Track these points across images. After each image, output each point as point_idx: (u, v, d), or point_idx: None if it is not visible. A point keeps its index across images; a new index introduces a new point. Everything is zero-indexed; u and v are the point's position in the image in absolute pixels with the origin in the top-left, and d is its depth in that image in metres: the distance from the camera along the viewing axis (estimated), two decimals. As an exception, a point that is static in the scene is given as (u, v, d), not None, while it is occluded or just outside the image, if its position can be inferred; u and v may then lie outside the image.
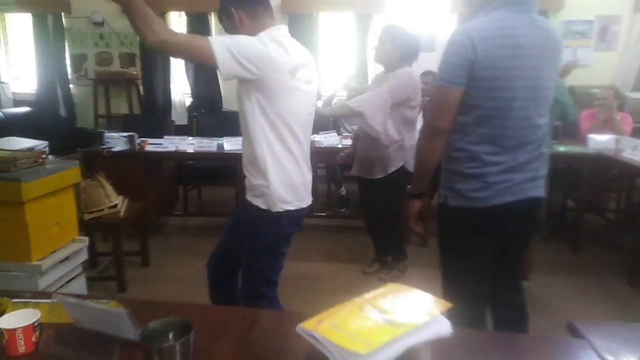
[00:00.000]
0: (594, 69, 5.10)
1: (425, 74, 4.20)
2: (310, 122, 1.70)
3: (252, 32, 1.53)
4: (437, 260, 3.53)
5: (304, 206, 1.68)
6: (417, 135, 2.71)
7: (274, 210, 1.59)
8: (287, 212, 1.61)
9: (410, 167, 2.69)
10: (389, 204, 2.90)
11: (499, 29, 1.37)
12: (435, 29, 5.36)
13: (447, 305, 0.88)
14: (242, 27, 1.57)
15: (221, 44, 1.42)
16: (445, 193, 1.54)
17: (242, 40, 1.47)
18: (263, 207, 1.60)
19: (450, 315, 0.90)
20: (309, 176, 1.71)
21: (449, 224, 1.58)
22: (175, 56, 1.45)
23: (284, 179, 1.59)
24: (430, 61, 5.35)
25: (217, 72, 1.44)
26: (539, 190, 1.52)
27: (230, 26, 1.59)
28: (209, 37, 1.43)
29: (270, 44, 1.49)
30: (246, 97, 1.53)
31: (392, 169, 2.77)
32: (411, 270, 3.15)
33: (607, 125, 3.59)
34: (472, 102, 1.41)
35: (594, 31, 5.12)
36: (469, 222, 1.50)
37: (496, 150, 1.43)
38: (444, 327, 0.86)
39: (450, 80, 1.40)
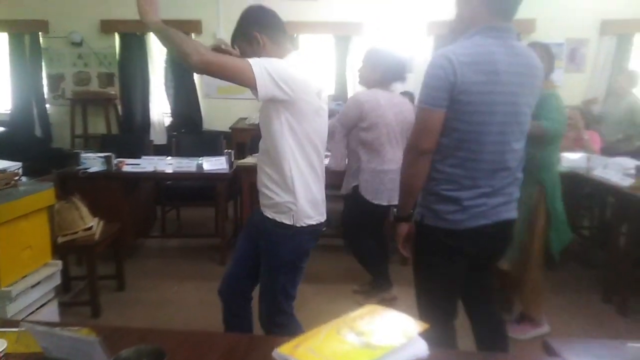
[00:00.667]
0: (564, 89, 5.27)
1: (403, 94, 4.29)
2: (326, 140, 1.79)
3: (273, 57, 1.57)
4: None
5: (323, 220, 1.73)
6: (382, 157, 2.72)
7: (299, 225, 1.64)
8: (310, 227, 1.66)
9: (364, 189, 2.74)
10: (348, 223, 2.97)
11: (478, 54, 1.39)
12: (413, 51, 5.49)
13: (424, 326, 0.88)
14: (264, 51, 1.61)
15: (260, 65, 1.46)
16: (421, 211, 1.56)
17: (276, 63, 1.51)
18: (288, 222, 1.64)
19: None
20: (324, 191, 1.78)
21: (423, 241, 1.59)
22: (215, 76, 1.49)
23: (309, 196, 1.65)
24: (407, 82, 5.47)
25: (253, 93, 1.49)
26: (512, 212, 1.56)
27: (252, 51, 1.63)
28: (248, 59, 1.47)
29: (299, 67, 1.57)
30: (275, 117, 1.57)
31: (347, 189, 2.87)
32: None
33: (576, 143, 3.70)
34: (452, 125, 1.42)
35: (564, 53, 5.33)
36: (443, 242, 1.52)
37: (472, 175, 1.45)
38: (421, 349, 0.86)
39: (431, 103, 1.41)
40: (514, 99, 1.44)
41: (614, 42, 5.28)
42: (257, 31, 1.62)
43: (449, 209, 1.47)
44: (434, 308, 1.59)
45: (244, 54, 1.63)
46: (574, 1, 5.22)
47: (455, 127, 1.42)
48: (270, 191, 1.67)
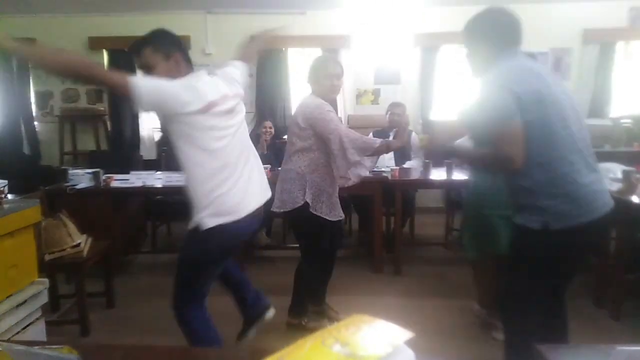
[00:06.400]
0: (551, 97, 5.36)
1: (396, 105, 4.32)
2: None
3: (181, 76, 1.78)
4: (410, 288, 3.50)
5: None
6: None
7: None
8: None
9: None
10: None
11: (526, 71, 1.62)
12: (400, 63, 5.56)
13: (410, 334, 0.87)
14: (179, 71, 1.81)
15: None
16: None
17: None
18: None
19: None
20: None
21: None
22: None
23: None
24: (396, 93, 5.53)
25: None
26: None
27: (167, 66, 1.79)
28: None
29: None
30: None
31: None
32: (385, 299, 3.13)
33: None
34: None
35: (549, 62, 5.41)
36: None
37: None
38: (408, 358, 0.85)
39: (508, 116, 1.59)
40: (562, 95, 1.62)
41: (597, 51, 5.37)
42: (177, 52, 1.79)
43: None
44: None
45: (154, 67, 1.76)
46: (556, 11, 5.32)
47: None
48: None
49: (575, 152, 1.56)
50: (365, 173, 2.44)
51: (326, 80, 2.46)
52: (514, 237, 1.76)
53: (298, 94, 5.61)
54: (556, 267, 1.66)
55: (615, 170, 2.97)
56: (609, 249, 2.97)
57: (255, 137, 4.34)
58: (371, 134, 4.42)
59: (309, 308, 2.76)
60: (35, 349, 0.90)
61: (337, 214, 2.56)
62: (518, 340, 1.73)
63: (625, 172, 2.84)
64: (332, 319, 2.73)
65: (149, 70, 1.75)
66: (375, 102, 5.64)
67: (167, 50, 1.76)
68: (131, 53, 1.79)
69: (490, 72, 1.63)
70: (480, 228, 2.55)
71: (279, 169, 2.77)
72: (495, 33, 1.67)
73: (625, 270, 2.82)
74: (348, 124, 5.21)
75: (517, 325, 1.74)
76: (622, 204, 2.72)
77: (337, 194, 2.57)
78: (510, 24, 1.69)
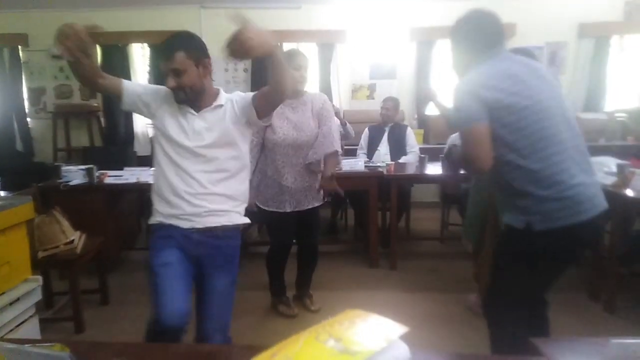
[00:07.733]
0: (546, 92, 5.36)
1: (386, 99, 4.31)
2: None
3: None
4: (406, 283, 3.50)
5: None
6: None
7: None
8: None
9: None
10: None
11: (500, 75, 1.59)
12: (396, 57, 5.54)
13: (404, 329, 0.87)
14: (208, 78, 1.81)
15: None
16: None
17: None
18: None
19: None
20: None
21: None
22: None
23: None
24: (391, 87, 5.52)
25: None
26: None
27: (197, 73, 1.74)
28: None
29: None
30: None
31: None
32: (381, 293, 3.14)
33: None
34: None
35: (544, 56, 5.41)
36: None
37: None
38: (402, 352, 0.85)
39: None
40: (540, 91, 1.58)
41: (592, 45, 5.38)
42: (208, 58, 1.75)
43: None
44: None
45: (192, 72, 1.71)
46: (552, 5, 5.31)
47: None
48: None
49: (562, 153, 1.54)
50: None
51: (295, 72, 2.45)
52: (500, 234, 1.76)
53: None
54: (539, 268, 1.65)
55: (609, 164, 2.98)
56: (603, 242, 2.98)
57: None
58: (367, 130, 4.41)
59: (284, 290, 2.95)
60: (27, 347, 0.89)
61: (274, 205, 2.62)
62: (502, 335, 1.74)
63: (619, 166, 2.85)
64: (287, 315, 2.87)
65: (179, 75, 1.69)
66: (370, 97, 5.63)
67: (199, 56, 1.72)
68: (160, 57, 1.71)
69: (467, 76, 1.64)
70: (482, 215, 2.58)
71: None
72: (476, 36, 1.67)
73: (619, 264, 2.83)
74: (344, 119, 5.18)
75: (500, 321, 1.74)
76: (616, 198, 2.73)
77: (280, 188, 2.59)
78: (491, 25, 1.68)
